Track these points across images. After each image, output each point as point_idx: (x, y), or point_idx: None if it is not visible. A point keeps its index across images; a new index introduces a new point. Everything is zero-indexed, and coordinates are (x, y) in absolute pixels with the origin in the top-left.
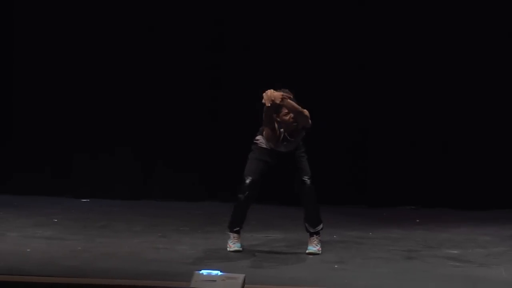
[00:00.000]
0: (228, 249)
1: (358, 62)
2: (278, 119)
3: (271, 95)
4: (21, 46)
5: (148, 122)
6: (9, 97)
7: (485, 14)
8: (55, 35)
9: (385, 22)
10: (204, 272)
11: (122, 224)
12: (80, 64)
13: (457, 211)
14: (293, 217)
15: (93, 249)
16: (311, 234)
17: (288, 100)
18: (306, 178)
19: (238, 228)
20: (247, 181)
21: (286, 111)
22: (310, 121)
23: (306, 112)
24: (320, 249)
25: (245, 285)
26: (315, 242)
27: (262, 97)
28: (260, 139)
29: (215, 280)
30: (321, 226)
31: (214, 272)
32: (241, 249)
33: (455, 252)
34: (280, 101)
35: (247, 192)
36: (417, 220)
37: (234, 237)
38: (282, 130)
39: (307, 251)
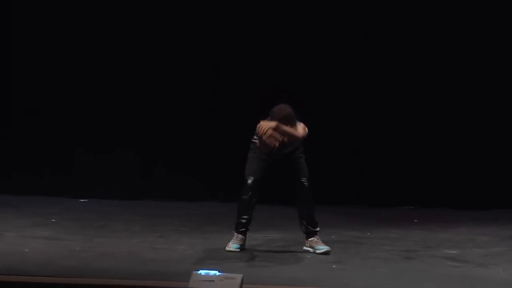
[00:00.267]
0: (226, 248)
1: (358, 62)
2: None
3: (268, 134)
4: (21, 46)
5: (147, 122)
6: (8, 97)
7: (485, 14)
8: (55, 34)
9: (385, 22)
10: (202, 272)
11: (121, 224)
12: (79, 64)
13: (456, 211)
14: (292, 217)
15: (91, 249)
16: (312, 235)
17: (282, 127)
18: (304, 180)
19: (243, 229)
20: (249, 181)
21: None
22: (306, 131)
23: (300, 131)
24: None
25: (243, 285)
26: (320, 241)
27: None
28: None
29: (213, 280)
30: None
31: (212, 272)
32: (238, 250)
33: (454, 252)
34: (271, 135)
35: (250, 192)
36: (415, 220)
37: (236, 237)
38: (276, 145)
39: (320, 252)
